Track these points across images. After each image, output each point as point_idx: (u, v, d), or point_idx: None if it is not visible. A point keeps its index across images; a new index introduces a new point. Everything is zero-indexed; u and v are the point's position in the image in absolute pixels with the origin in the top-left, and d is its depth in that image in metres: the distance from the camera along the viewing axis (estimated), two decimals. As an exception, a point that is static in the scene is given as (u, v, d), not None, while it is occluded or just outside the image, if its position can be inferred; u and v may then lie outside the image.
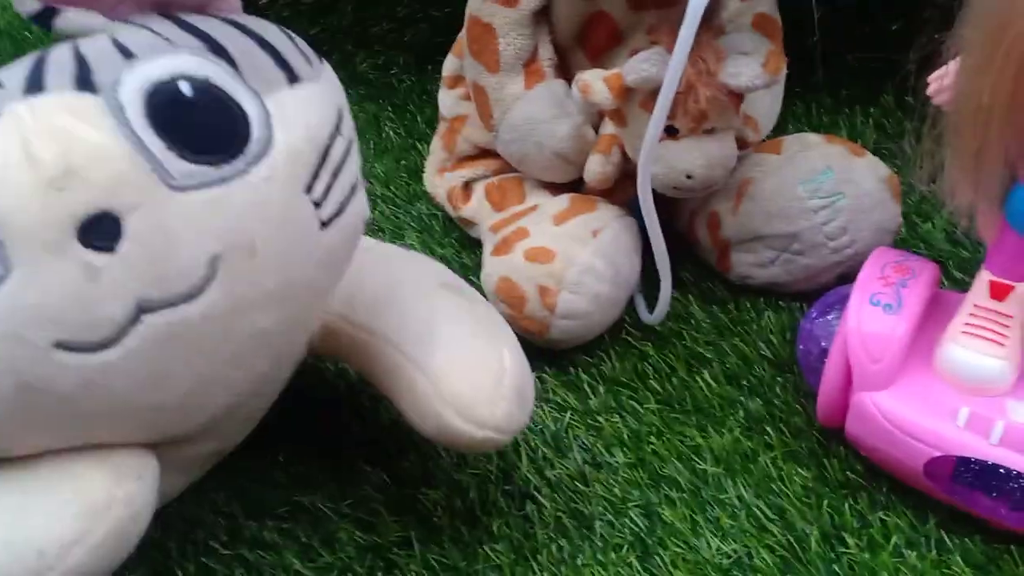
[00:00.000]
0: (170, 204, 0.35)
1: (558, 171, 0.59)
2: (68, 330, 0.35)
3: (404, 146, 0.75)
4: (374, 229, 0.68)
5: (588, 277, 0.54)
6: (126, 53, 0.37)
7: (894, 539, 0.47)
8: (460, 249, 0.66)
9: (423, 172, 0.70)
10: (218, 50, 0.38)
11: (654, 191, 0.52)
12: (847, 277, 0.56)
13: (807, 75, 0.71)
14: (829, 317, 0.50)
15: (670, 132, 0.52)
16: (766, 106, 0.61)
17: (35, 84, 0.36)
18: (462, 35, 0.62)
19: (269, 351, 0.41)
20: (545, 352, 0.57)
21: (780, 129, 0.66)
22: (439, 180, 0.66)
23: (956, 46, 0.44)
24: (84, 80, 0.36)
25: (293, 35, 0.42)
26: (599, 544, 0.49)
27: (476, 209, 0.63)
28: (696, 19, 0.45)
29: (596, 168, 0.56)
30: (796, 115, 0.74)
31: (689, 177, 0.53)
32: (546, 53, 0.58)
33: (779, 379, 0.55)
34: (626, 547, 0.49)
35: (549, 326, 0.55)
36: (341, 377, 0.58)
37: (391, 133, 0.76)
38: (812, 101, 0.74)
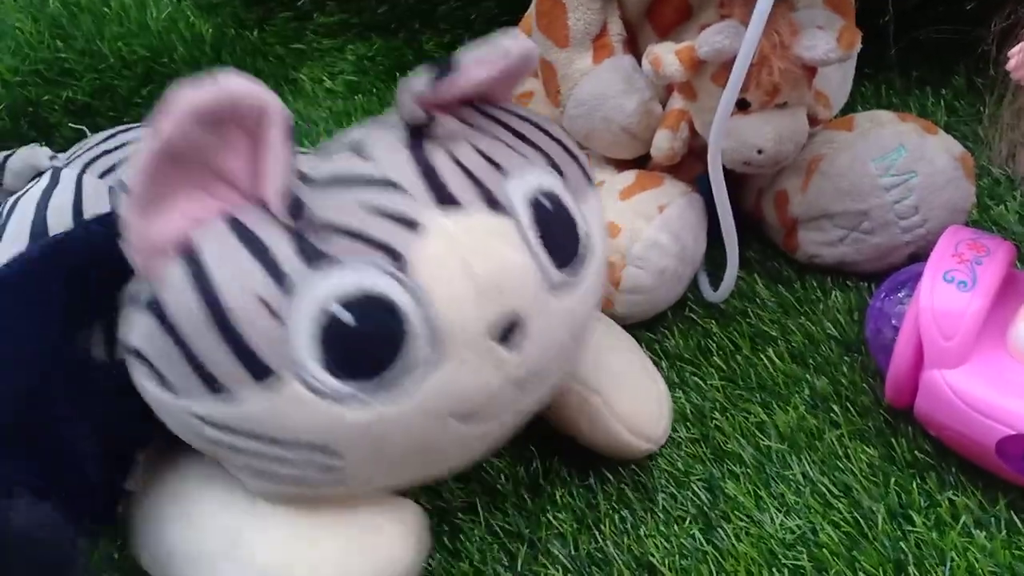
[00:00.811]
0: (552, 307, 0.42)
1: (625, 147, 0.59)
2: (469, 406, 0.41)
3: (468, 124, 0.76)
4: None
5: (654, 252, 0.55)
6: (496, 167, 0.41)
7: (963, 519, 0.47)
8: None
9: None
10: (551, 163, 0.43)
11: (723, 167, 0.52)
12: (917, 257, 0.55)
13: (878, 55, 0.70)
14: (899, 295, 0.50)
15: (741, 106, 0.52)
16: (837, 83, 0.60)
17: (442, 196, 0.40)
18: (531, 11, 0.63)
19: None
20: (609, 327, 0.58)
21: (850, 109, 0.65)
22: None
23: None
24: (491, 199, 0.41)
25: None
26: (661, 516, 0.49)
27: (541, 185, 0.64)
28: (769, 1, 0.44)
29: (664, 144, 0.56)
30: (866, 96, 0.73)
31: (760, 152, 0.53)
32: (615, 28, 0.58)
33: (846, 358, 0.55)
34: (689, 519, 0.49)
35: (613, 301, 0.55)
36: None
37: (456, 111, 0.77)
38: (883, 82, 0.74)
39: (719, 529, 0.48)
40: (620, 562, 0.47)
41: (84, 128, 0.69)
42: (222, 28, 0.77)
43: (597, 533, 0.49)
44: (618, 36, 0.58)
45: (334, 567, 0.41)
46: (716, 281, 0.58)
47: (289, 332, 0.37)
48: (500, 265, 0.40)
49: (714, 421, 0.53)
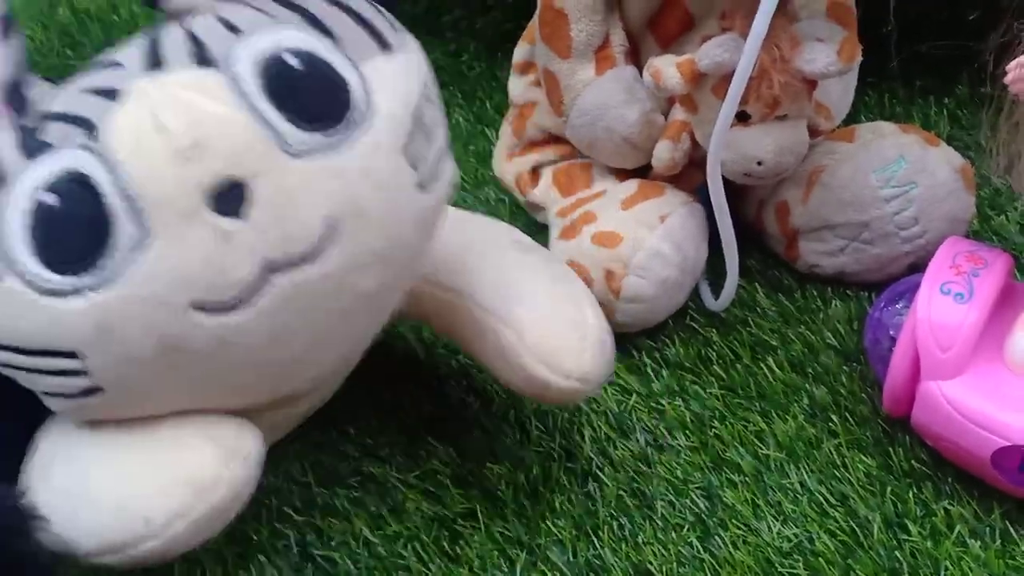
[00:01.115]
0: (290, 170, 0.37)
1: (626, 157, 0.60)
2: (204, 291, 0.37)
3: (473, 132, 0.76)
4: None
5: (655, 261, 0.55)
6: (233, 29, 0.39)
7: (958, 528, 0.47)
8: (527, 233, 0.66)
9: (491, 157, 0.71)
10: (315, 22, 0.40)
11: (723, 178, 0.52)
12: (916, 267, 0.56)
13: (880, 64, 0.70)
14: (898, 306, 0.50)
15: (741, 118, 0.52)
16: (838, 94, 0.61)
17: (155, 62, 0.38)
18: (534, 21, 0.63)
19: (371, 310, 0.44)
20: (609, 335, 0.58)
21: (852, 119, 0.65)
22: (508, 165, 0.67)
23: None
24: (202, 57, 0.38)
25: (377, 5, 0.44)
26: (659, 523, 0.50)
27: (543, 194, 0.64)
28: (773, 4, 0.45)
29: (665, 154, 0.57)
30: (869, 105, 0.73)
31: (759, 164, 0.53)
32: (617, 39, 0.59)
33: (845, 368, 0.55)
34: (687, 527, 0.49)
35: (614, 310, 0.56)
36: (408, 356, 0.60)
37: (460, 119, 0.77)
38: (885, 91, 0.74)
39: (716, 537, 0.49)
40: (618, 569, 0.48)
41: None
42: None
43: (595, 540, 0.49)
44: (620, 47, 0.59)
45: (131, 483, 0.41)
46: (717, 290, 0.58)
47: (4, 228, 0.37)
48: (197, 119, 0.36)
49: (713, 429, 0.54)
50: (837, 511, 0.49)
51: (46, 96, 0.39)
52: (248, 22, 0.40)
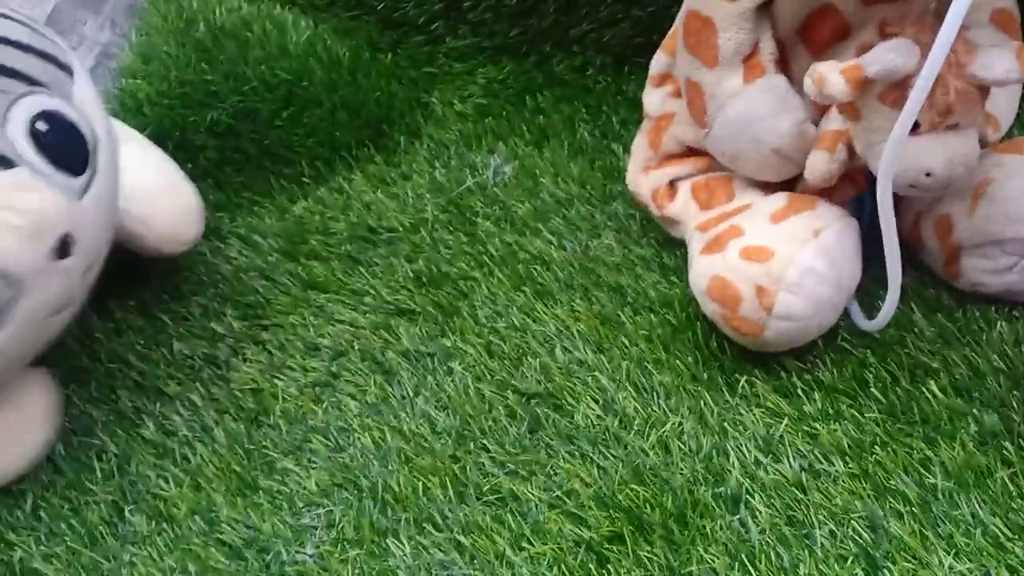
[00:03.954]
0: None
1: (775, 169, 0.57)
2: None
3: (599, 147, 0.75)
4: (572, 228, 0.68)
5: (809, 278, 0.53)
6: None
7: None
8: (660, 249, 0.65)
9: (618, 172, 0.70)
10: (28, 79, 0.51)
11: (887, 190, 0.50)
12: (1091, 286, 0.52)
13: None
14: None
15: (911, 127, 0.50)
16: (1005, 104, 0.58)
17: None
18: (674, 31, 0.62)
19: None
20: (754, 355, 0.56)
21: (1012, 131, 0.62)
22: (643, 179, 0.66)
23: None
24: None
25: (39, 28, 0.54)
26: (820, 555, 0.47)
27: (681, 208, 0.62)
28: (964, 7, 0.42)
29: (820, 166, 0.54)
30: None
31: (928, 175, 0.50)
32: (767, 48, 0.57)
33: (1015, 393, 0.52)
34: (851, 559, 0.47)
35: (764, 327, 0.53)
36: (544, 373, 0.58)
37: (585, 134, 0.76)
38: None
39: (884, 570, 0.46)
40: (779, 601, 0.45)
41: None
42: (358, 51, 0.79)
43: (752, 570, 0.47)
44: (770, 56, 0.57)
45: None
46: (867, 309, 0.55)
47: None
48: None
49: (874, 455, 0.51)
50: (1016, 544, 0.46)
51: None
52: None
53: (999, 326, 0.55)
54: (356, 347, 0.61)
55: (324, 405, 0.59)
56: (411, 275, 0.63)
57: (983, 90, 0.50)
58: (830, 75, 0.50)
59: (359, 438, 0.56)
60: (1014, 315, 0.56)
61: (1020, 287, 0.54)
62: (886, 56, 0.48)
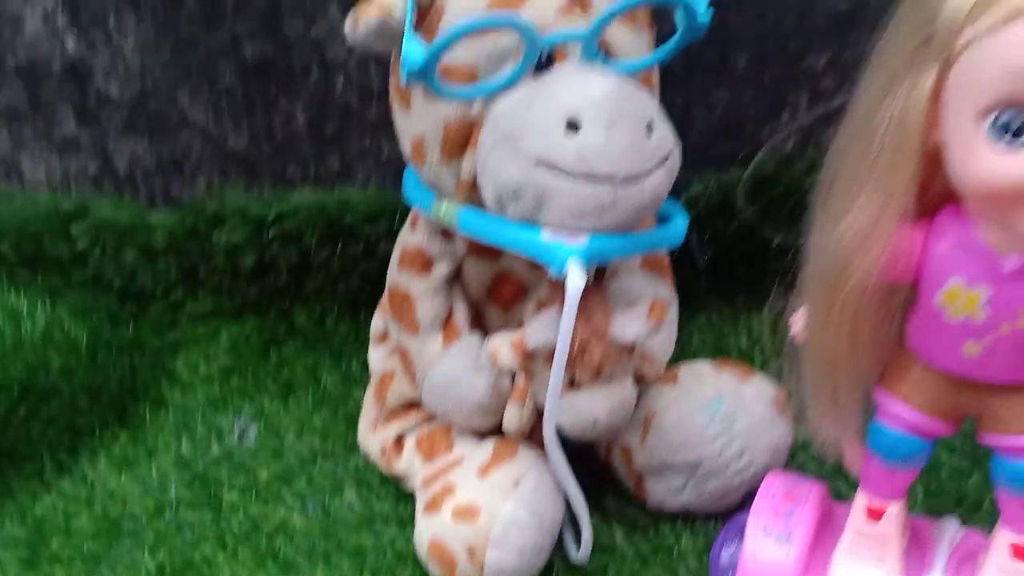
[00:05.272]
0: None
1: (480, 421, 0.63)
2: None
3: (341, 395, 0.79)
4: (313, 489, 0.70)
5: (512, 530, 0.57)
6: None
7: None
8: (396, 502, 0.68)
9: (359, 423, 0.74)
10: None
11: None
12: (753, 494, 0.60)
13: (698, 290, 0.78)
14: (733, 548, 0.54)
15: (572, 383, 0.57)
16: (661, 340, 0.66)
17: None
18: (385, 298, 0.68)
19: None
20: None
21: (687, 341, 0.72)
22: (372, 438, 0.70)
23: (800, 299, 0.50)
24: None
25: None
26: None
27: (407, 464, 0.67)
28: (573, 310, 0.51)
29: (513, 419, 0.61)
30: (700, 327, 0.80)
31: (595, 423, 0.58)
32: (461, 311, 0.63)
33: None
34: None
35: (477, 585, 0.58)
36: None
37: (328, 383, 0.80)
38: (713, 311, 0.81)
39: None
40: None
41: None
42: (98, 329, 0.80)
43: None
44: (464, 318, 0.63)
45: None
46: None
47: None
48: None
49: None
50: None
51: None
52: None
53: (684, 540, 0.62)
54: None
55: None
56: (153, 571, 0.63)
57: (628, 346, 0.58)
58: (501, 348, 0.57)
59: None
60: (695, 528, 0.63)
61: (695, 503, 0.62)
62: (538, 333, 0.55)
